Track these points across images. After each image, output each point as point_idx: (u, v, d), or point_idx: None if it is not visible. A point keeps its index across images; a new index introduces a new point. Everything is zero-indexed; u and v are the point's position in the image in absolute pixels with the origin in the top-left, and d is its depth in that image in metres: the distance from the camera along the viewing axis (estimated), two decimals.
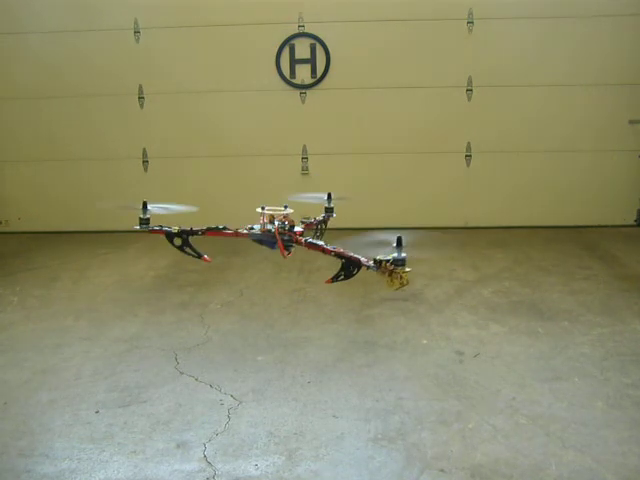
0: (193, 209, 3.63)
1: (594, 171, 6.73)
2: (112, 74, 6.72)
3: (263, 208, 3.39)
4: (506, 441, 2.83)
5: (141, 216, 3.47)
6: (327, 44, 6.61)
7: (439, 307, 4.53)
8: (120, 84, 6.74)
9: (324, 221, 3.88)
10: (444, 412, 3.09)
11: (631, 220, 6.81)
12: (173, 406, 3.19)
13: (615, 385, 3.33)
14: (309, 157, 6.83)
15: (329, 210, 3.94)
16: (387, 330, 4.13)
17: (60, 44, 6.67)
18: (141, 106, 6.79)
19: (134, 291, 5.01)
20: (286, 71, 6.68)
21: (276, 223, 3.36)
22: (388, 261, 2.95)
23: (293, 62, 6.65)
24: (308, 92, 6.73)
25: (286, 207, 3.42)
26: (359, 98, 6.68)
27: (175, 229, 3.48)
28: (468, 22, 6.51)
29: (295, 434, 2.92)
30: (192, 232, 3.48)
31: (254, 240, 3.47)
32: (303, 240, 3.35)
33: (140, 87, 6.75)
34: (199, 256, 3.50)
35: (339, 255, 3.21)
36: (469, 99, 6.65)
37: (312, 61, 6.65)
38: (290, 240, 3.35)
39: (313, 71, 6.68)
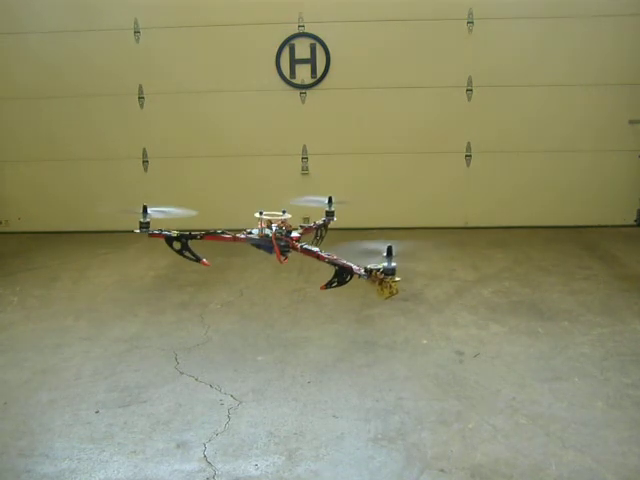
0: (193, 213, 3.63)
1: (594, 171, 6.73)
2: (112, 74, 6.72)
3: (261, 213, 3.40)
4: (506, 441, 2.83)
5: (141, 220, 3.48)
6: (327, 44, 6.61)
7: (439, 307, 4.53)
8: (120, 84, 6.74)
9: (324, 225, 3.87)
10: (444, 412, 3.09)
11: (631, 220, 6.80)
12: (173, 406, 3.19)
13: (615, 385, 3.33)
14: (309, 157, 6.83)
15: (330, 214, 3.93)
16: (387, 330, 4.13)
17: (60, 44, 6.67)
18: (141, 106, 6.79)
19: (134, 291, 5.01)
20: (286, 71, 6.68)
21: (273, 228, 3.37)
22: (379, 270, 2.95)
23: (293, 62, 6.65)
24: (308, 92, 6.73)
25: (284, 212, 3.42)
26: (359, 98, 6.68)
27: (174, 233, 3.49)
28: (468, 22, 6.50)
29: (295, 434, 2.92)
30: (191, 236, 3.49)
31: (252, 244, 3.48)
32: (299, 246, 3.35)
33: (140, 87, 6.75)
34: (198, 260, 3.51)
35: (332, 262, 3.22)
36: (469, 99, 6.65)
37: (312, 61, 6.65)
38: (287, 245, 3.35)
39: (313, 71, 6.67)
